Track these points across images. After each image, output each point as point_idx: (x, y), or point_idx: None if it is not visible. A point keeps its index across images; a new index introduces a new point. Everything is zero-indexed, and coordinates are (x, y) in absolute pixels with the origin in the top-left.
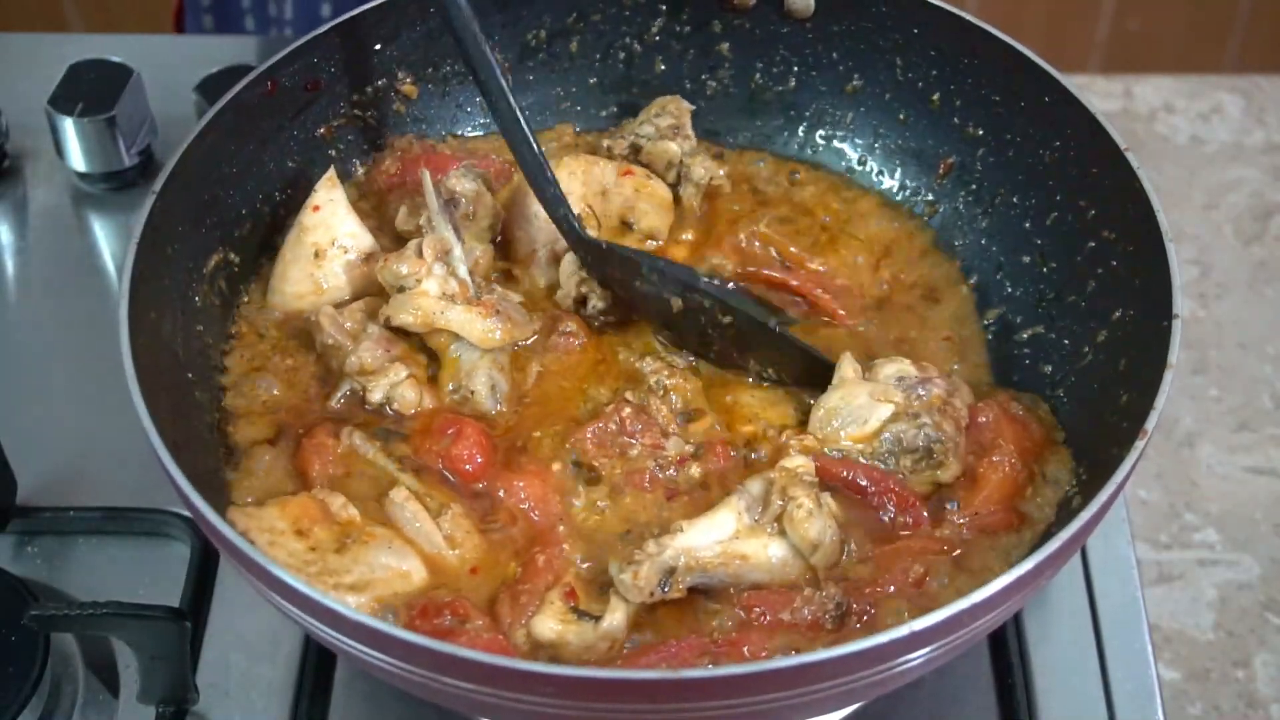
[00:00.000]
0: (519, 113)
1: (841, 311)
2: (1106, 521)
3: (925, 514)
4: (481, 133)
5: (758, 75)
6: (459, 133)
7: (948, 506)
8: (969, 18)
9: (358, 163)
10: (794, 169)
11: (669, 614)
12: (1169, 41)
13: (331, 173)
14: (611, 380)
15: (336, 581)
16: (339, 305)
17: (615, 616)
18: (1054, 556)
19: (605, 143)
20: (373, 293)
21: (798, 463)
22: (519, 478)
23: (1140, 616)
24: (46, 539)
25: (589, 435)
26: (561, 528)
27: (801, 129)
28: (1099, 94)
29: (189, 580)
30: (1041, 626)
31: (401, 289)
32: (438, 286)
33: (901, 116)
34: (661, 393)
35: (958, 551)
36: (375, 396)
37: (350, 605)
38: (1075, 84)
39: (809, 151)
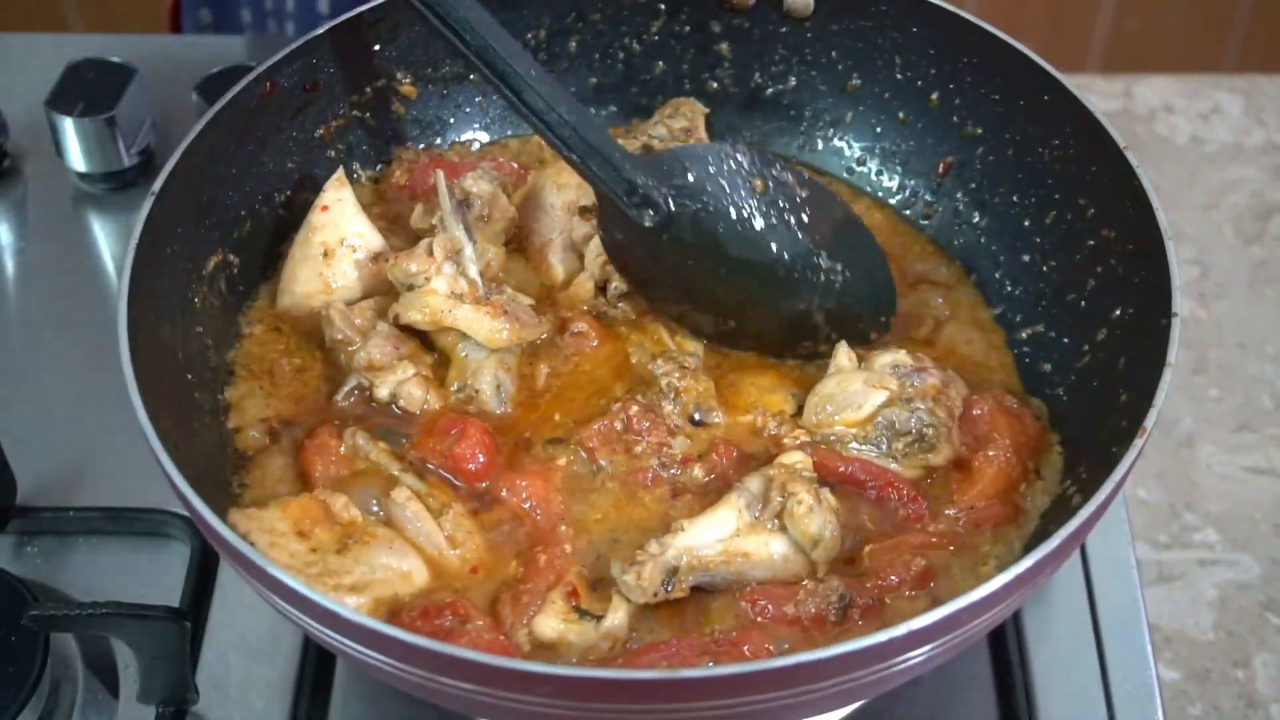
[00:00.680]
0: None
1: None
2: (1106, 521)
3: (925, 506)
4: (486, 136)
5: (757, 75)
6: (459, 137)
7: (947, 512)
8: (969, 17)
9: (358, 164)
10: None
11: (670, 613)
12: (1169, 41)
13: (340, 173)
14: (623, 381)
15: (337, 582)
16: (349, 303)
17: (617, 616)
18: (1054, 554)
19: (618, 140)
20: (382, 292)
21: (796, 459)
22: (521, 477)
23: (1140, 616)
24: (46, 539)
25: (595, 432)
26: (563, 527)
27: (801, 129)
28: (1099, 94)
29: (189, 580)
30: (1041, 626)
31: (411, 287)
32: (447, 285)
33: (901, 116)
34: (673, 395)
35: (955, 545)
36: (382, 393)
37: (349, 606)
38: (1075, 84)
39: (808, 151)
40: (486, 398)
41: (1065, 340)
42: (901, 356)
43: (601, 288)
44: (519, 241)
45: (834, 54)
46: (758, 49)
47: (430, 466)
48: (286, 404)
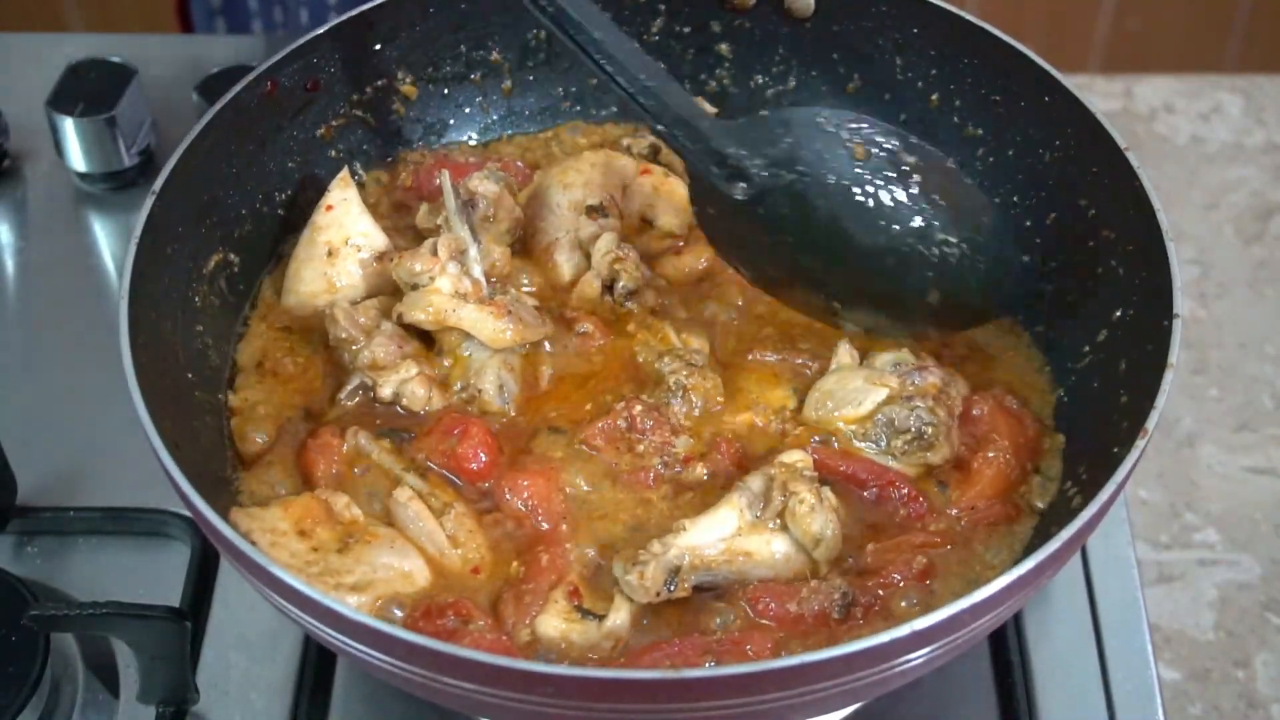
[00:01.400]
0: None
1: None
2: (1107, 521)
3: (925, 504)
4: (486, 136)
5: (758, 76)
6: (460, 138)
7: (948, 511)
8: (969, 18)
9: (359, 164)
10: None
11: (672, 612)
12: (1169, 41)
13: (345, 172)
14: (629, 381)
15: (338, 582)
16: (353, 303)
17: (619, 615)
18: (1055, 556)
19: (626, 141)
20: (386, 291)
21: (796, 457)
22: (523, 476)
23: (1140, 616)
24: (46, 539)
25: (598, 430)
26: (564, 526)
27: None
28: (1099, 94)
29: (189, 580)
30: (1041, 626)
31: (415, 287)
32: (451, 285)
33: (901, 118)
34: (681, 393)
35: (955, 544)
36: (385, 392)
37: (351, 605)
38: (1075, 84)
39: None
40: (489, 397)
41: (1065, 341)
42: (904, 355)
43: (608, 286)
44: (525, 241)
45: (834, 55)
46: (758, 49)
47: (432, 466)
48: (288, 403)
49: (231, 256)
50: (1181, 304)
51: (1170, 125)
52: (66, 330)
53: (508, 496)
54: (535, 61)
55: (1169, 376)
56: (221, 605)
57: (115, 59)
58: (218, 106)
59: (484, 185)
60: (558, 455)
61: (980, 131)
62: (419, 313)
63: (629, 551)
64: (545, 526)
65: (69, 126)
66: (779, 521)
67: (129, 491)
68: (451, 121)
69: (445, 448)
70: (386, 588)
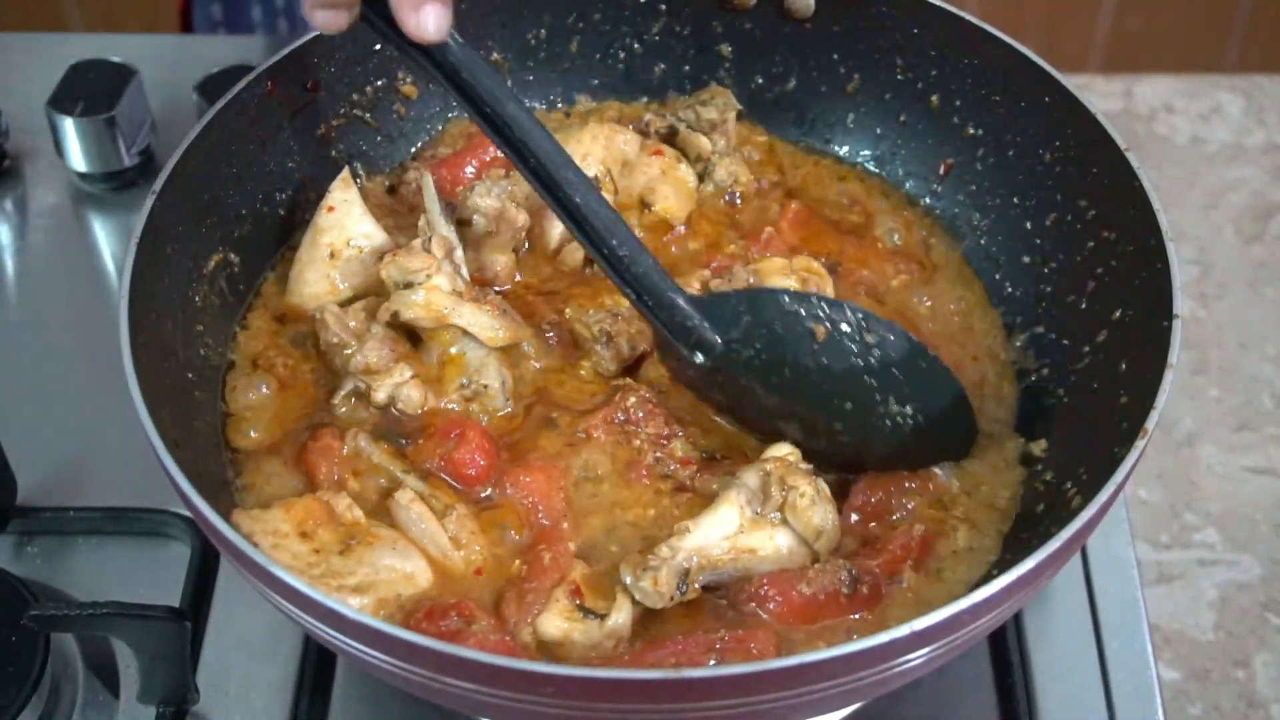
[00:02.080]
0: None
1: None
2: (1106, 521)
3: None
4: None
5: (758, 76)
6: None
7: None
8: (969, 18)
9: (360, 164)
10: None
11: (674, 610)
12: (1169, 41)
13: (346, 173)
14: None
15: (340, 584)
16: (342, 304)
17: (621, 614)
18: (1054, 556)
19: (646, 117)
20: (371, 292)
21: (785, 450)
22: (524, 473)
23: (1140, 616)
24: (46, 539)
25: (599, 420)
26: (565, 525)
27: (801, 130)
28: (1099, 94)
29: (189, 580)
30: (1041, 626)
31: (409, 284)
32: (448, 283)
33: (901, 118)
34: (606, 340)
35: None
36: (380, 396)
37: (353, 607)
38: (1075, 84)
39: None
40: (495, 392)
41: (1065, 342)
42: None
43: (590, 260)
44: (534, 243)
45: (835, 55)
46: (759, 50)
47: (432, 467)
48: (288, 404)
49: (231, 256)
50: (1181, 304)
51: (1170, 125)
52: (66, 330)
53: (508, 494)
54: (535, 61)
55: (1169, 376)
56: (221, 605)
57: (115, 59)
58: (218, 106)
59: (485, 201)
60: (556, 451)
61: (980, 132)
62: (417, 310)
63: (635, 557)
64: (546, 523)
65: (69, 126)
66: (780, 515)
67: (129, 491)
68: (452, 120)
69: (442, 452)
70: (389, 589)
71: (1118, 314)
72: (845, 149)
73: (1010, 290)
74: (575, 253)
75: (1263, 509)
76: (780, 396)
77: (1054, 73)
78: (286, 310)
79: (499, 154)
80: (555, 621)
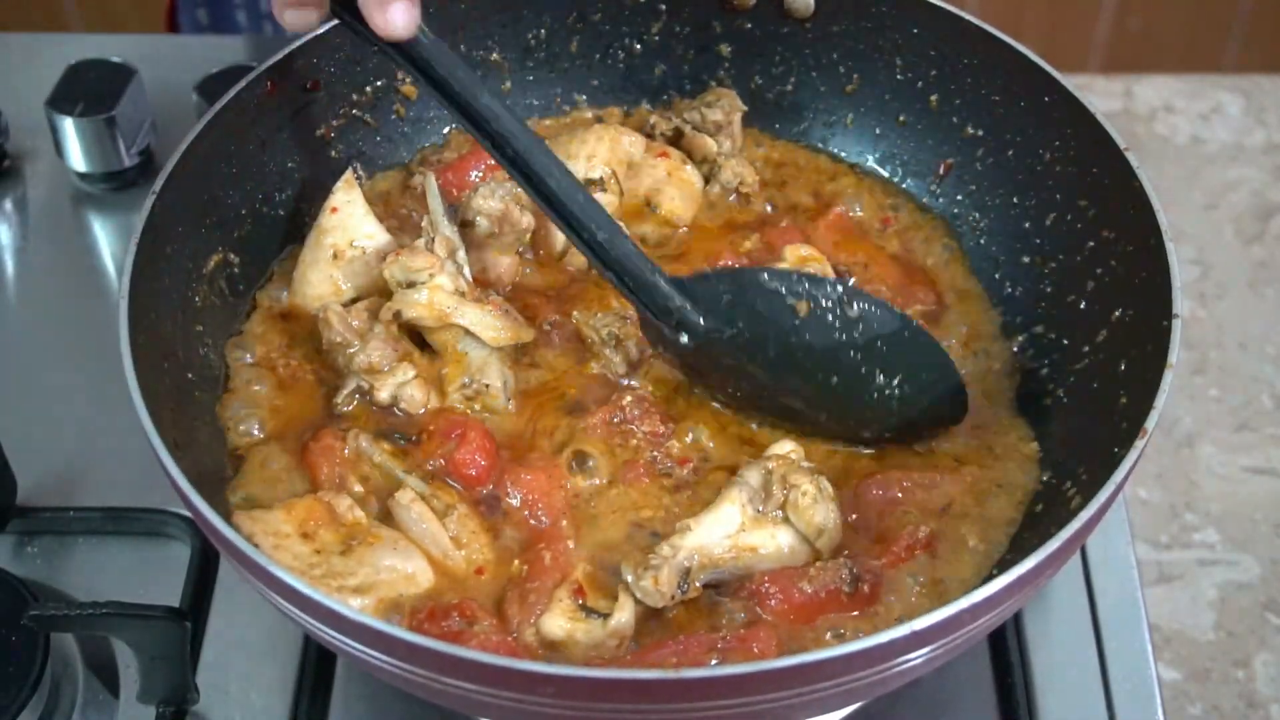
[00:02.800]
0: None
1: None
2: (1106, 521)
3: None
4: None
5: (758, 76)
6: (457, 128)
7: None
8: (969, 18)
9: (360, 164)
10: None
11: (676, 608)
12: (1169, 41)
13: (349, 174)
14: (590, 359)
15: (341, 584)
16: (345, 305)
17: (624, 614)
18: (1054, 556)
19: (652, 119)
20: (374, 292)
21: (788, 448)
22: (524, 472)
23: (1140, 616)
24: (46, 539)
25: (595, 421)
26: (565, 523)
27: (801, 130)
28: (1099, 94)
29: (189, 580)
30: (1041, 626)
31: (412, 284)
32: (451, 283)
33: (901, 118)
34: (614, 343)
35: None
36: (383, 395)
37: (354, 608)
38: (1075, 84)
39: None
40: (497, 392)
41: (1065, 341)
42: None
43: None
44: (537, 241)
45: (834, 55)
46: (758, 50)
47: (433, 467)
48: (288, 404)
49: (231, 256)
50: (1181, 304)
51: (1170, 125)
52: (66, 330)
53: (509, 493)
54: (535, 61)
55: (1169, 376)
56: (221, 605)
57: (115, 59)
58: (218, 106)
59: (488, 204)
60: (556, 450)
61: (980, 132)
62: (420, 310)
63: (637, 555)
64: (545, 523)
65: (69, 126)
66: (781, 514)
67: (129, 491)
68: (452, 121)
69: (444, 452)
70: (390, 590)
71: (1118, 314)
72: (845, 149)
73: (1010, 290)
74: (580, 255)
75: (1263, 509)
76: (769, 375)
77: (1054, 73)
78: (289, 310)
79: None
80: (558, 622)
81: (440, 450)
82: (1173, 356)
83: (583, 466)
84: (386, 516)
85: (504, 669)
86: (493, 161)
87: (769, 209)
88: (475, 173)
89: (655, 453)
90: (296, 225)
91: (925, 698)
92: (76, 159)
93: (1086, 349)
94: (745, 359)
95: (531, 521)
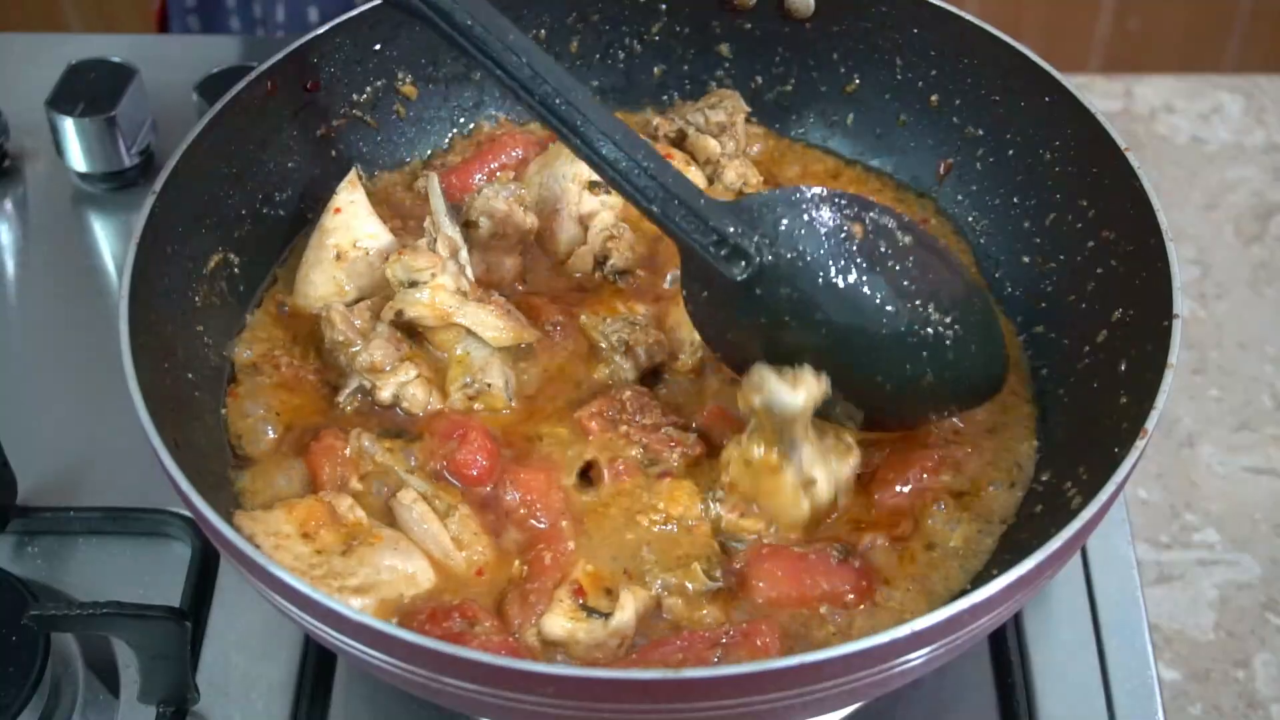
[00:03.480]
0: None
1: None
2: (1106, 521)
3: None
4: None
5: (758, 76)
6: (461, 131)
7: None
8: (969, 18)
9: (360, 164)
10: None
11: (678, 606)
12: (1169, 41)
13: (353, 174)
14: (596, 361)
15: (342, 584)
16: (348, 304)
17: (625, 613)
18: (1054, 556)
19: (655, 121)
20: (377, 292)
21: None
22: (523, 472)
23: (1140, 616)
24: (46, 539)
25: (594, 412)
26: (565, 524)
27: (801, 131)
28: (1099, 94)
29: (189, 580)
30: (1041, 626)
31: (414, 283)
32: (453, 282)
33: (901, 118)
34: (624, 349)
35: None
36: (384, 395)
37: (354, 608)
38: (1075, 84)
39: None
40: (498, 391)
41: (1065, 342)
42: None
43: (600, 262)
44: (536, 207)
45: (834, 55)
46: (758, 50)
47: (435, 467)
48: (290, 404)
49: (231, 256)
50: (1181, 304)
51: (1170, 125)
52: (66, 330)
53: (509, 493)
54: None
55: (1169, 376)
56: (221, 605)
57: (115, 59)
58: (218, 106)
59: (491, 205)
60: (555, 449)
61: (980, 132)
62: (422, 309)
63: (631, 542)
64: (545, 524)
65: (69, 126)
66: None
67: (129, 491)
68: (452, 121)
69: (445, 452)
70: (390, 590)
71: (1118, 314)
72: (845, 149)
73: (1010, 290)
74: (585, 258)
75: (1263, 509)
76: (816, 321)
77: (1054, 73)
78: (290, 310)
79: (508, 161)
80: (559, 622)
81: (442, 450)
82: (1173, 356)
83: (580, 464)
84: (388, 517)
85: (504, 669)
86: (496, 166)
87: None
88: (479, 176)
89: (645, 441)
90: (297, 225)
91: (925, 698)
92: (77, 159)
93: (1087, 349)
94: (797, 299)
95: (532, 521)
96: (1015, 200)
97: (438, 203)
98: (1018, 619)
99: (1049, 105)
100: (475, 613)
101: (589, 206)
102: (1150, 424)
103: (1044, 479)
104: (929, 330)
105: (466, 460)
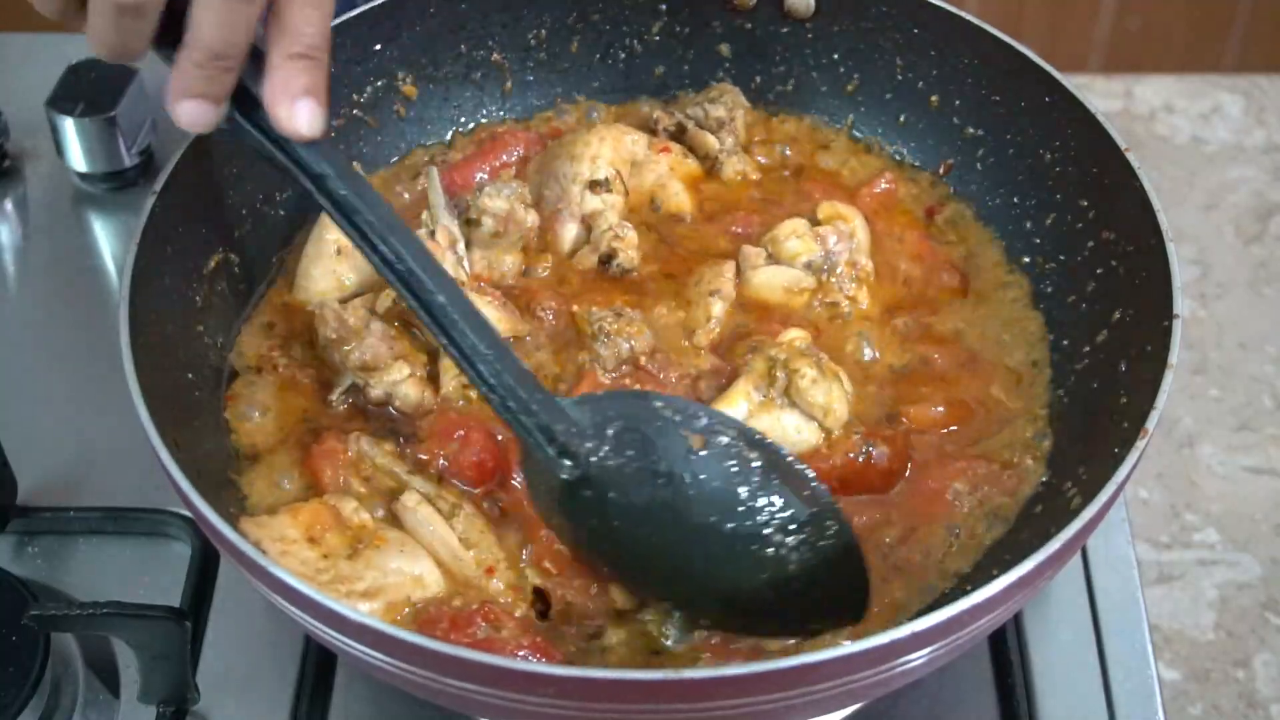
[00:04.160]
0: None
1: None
2: (1106, 521)
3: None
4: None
5: (757, 75)
6: (461, 130)
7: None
8: (969, 18)
9: (360, 164)
10: None
11: None
12: (1169, 41)
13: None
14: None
15: (349, 589)
16: (342, 300)
17: None
18: (1054, 556)
19: (655, 113)
20: (371, 288)
21: (795, 334)
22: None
23: (1140, 616)
24: (46, 539)
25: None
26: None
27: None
28: (1099, 94)
29: (189, 580)
30: (1041, 626)
31: None
32: (451, 272)
33: (901, 119)
34: (605, 338)
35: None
36: (376, 393)
37: (363, 612)
38: (1075, 84)
39: None
40: None
41: (1065, 342)
42: (806, 243)
43: (604, 262)
44: (537, 206)
45: (835, 55)
46: (759, 50)
47: (437, 467)
48: (290, 403)
49: (231, 256)
50: (1181, 304)
51: (1170, 125)
52: (66, 330)
53: (512, 490)
54: (535, 62)
55: (1169, 377)
56: (221, 605)
57: None
58: None
59: (494, 203)
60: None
61: (980, 131)
62: None
63: None
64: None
65: (69, 126)
66: (786, 398)
67: (129, 491)
68: (452, 121)
69: (446, 452)
70: (398, 592)
71: (1118, 314)
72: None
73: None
74: (589, 256)
75: (1263, 509)
76: (645, 526)
77: (1054, 73)
78: (290, 308)
79: (509, 160)
80: None
81: (443, 450)
82: (1173, 357)
83: None
84: (393, 518)
85: (504, 669)
86: (498, 164)
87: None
88: (481, 174)
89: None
90: (297, 225)
91: (925, 698)
92: (77, 159)
93: (1087, 349)
94: (627, 495)
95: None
96: (1015, 200)
97: (436, 195)
98: (1018, 619)
99: (1049, 105)
100: (497, 615)
101: (591, 206)
102: (1150, 424)
103: (1044, 479)
104: (769, 550)
105: (469, 461)
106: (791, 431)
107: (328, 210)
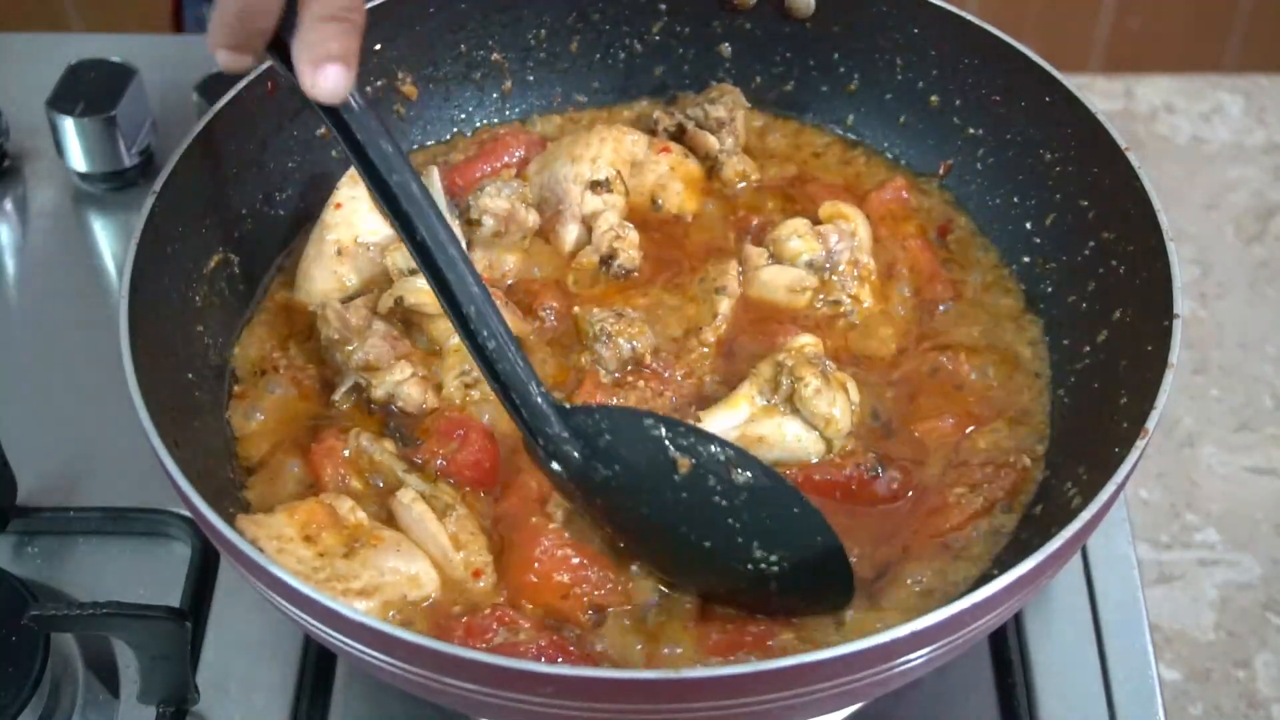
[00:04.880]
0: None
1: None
2: (1107, 521)
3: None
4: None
5: (758, 75)
6: (462, 131)
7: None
8: (969, 18)
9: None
10: None
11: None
12: (1169, 41)
13: (353, 170)
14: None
15: (346, 587)
16: (344, 300)
17: None
18: (1054, 556)
19: (656, 114)
20: (374, 287)
21: (803, 341)
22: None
23: (1141, 616)
24: (46, 539)
25: (584, 395)
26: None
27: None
28: (1099, 94)
29: (189, 580)
30: (1041, 626)
31: (414, 271)
32: None
33: (901, 119)
34: (605, 339)
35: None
36: (379, 393)
37: (359, 611)
38: (1075, 84)
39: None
40: None
41: (1066, 342)
42: (808, 242)
43: (605, 262)
44: (538, 206)
45: (835, 55)
46: (759, 50)
47: (436, 467)
48: (290, 403)
49: (231, 256)
50: (1181, 304)
51: (1170, 125)
52: (66, 330)
53: (509, 491)
54: (535, 61)
55: (1169, 376)
56: (221, 605)
57: (115, 59)
58: (218, 106)
59: (495, 202)
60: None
61: (980, 131)
62: (420, 296)
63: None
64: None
65: (69, 126)
66: (789, 405)
67: (129, 491)
68: (452, 121)
69: (446, 453)
70: (394, 591)
71: (1118, 314)
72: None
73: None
74: (590, 255)
75: (1263, 509)
76: (634, 530)
77: (1054, 73)
78: (291, 308)
79: (510, 161)
80: None
81: (442, 450)
82: (1173, 356)
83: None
84: (389, 518)
85: (504, 669)
86: (499, 165)
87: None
88: (481, 174)
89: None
90: (297, 225)
91: (925, 698)
92: (77, 159)
93: (1087, 349)
94: (612, 508)
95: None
96: (1015, 200)
97: (437, 195)
98: (1018, 619)
99: (1049, 105)
100: (513, 619)
101: (592, 206)
102: (1151, 424)
103: (1044, 479)
104: (749, 566)
105: (468, 461)
106: (791, 440)
107: (355, 163)
